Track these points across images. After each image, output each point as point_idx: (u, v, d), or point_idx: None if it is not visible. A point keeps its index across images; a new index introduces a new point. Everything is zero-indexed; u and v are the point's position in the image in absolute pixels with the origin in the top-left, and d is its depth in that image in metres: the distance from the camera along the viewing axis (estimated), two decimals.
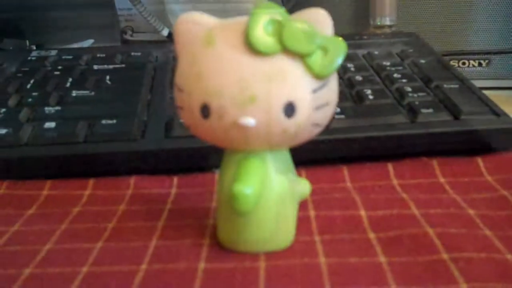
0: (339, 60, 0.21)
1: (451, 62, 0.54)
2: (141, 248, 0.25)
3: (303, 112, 0.21)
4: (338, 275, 0.22)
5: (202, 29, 0.22)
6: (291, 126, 0.21)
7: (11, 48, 0.64)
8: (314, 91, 0.21)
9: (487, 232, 0.25)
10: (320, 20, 0.22)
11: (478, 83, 0.51)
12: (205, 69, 0.21)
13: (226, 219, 0.24)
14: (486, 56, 0.54)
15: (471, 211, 0.27)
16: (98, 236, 0.26)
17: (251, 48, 0.20)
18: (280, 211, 0.24)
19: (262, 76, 0.21)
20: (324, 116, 0.22)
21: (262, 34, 0.20)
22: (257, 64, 0.21)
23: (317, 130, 0.22)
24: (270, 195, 0.23)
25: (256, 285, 0.22)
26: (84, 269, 0.23)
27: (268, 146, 0.22)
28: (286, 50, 0.21)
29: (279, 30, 0.21)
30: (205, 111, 0.21)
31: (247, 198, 0.21)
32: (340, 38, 0.22)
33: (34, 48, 0.63)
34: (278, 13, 0.21)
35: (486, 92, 0.37)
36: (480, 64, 0.54)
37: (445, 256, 0.23)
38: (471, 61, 0.54)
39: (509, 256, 0.23)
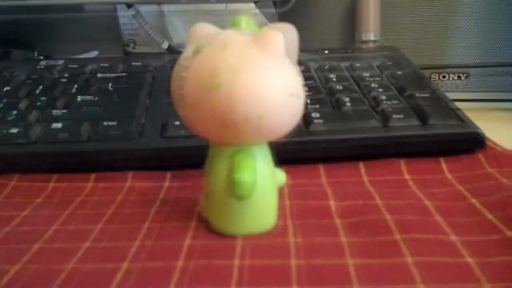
0: None
1: (432, 76, 0.58)
2: (135, 229, 0.29)
3: None
4: (303, 251, 0.26)
5: None
6: None
7: (20, 59, 0.68)
8: None
9: (438, 218, 0.29)
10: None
11: (457, 95, 0.55)
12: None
13: (220, 206, 0.27)
14: (465, 70, 0.58)
15: (428, 202, 0.31)
16: (98, 220, 0.30)
17: None
18: (265, 196, 0.28)
19: None
20: None
21: None
22: None
23: None
24: (258, 182, 0.27)
25: (233, 257, 0.25)
26: (86, 244, 0.27)
27: None
28: None
29: None
30: None
31: (247, 185, 0.25)
32: None
33: (42, 58, 0.67)
34: None
35: (464, 104, 0.41)
36: (459, 78, 0.58)
37: (397, 237, 0.27)
38: (451, 75, 0.58)
39: (453, 237, 0.27)
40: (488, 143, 0.38)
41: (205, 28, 0.27)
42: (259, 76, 0.24)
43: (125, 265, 0.25)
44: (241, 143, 0.26)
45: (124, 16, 0.70)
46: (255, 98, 0.24)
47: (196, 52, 0.25)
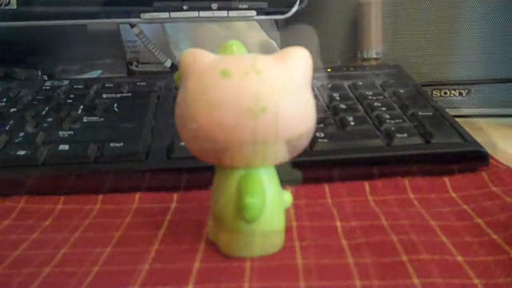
0: None
1: (434, 92, 0.58)
2: (144, 252, 0.29)
3: None
4: (311, 272, 0.26)
5: None
6: None
7: (23, 78, 0.69)
8: None
9: (444, 239, 0.29)
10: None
11: (458, 111, 0.55)
12: None
13: (229, 229, 0.28)
14: (466, 86, 0.58)
15: (433, 222, 0.31)
16: (107, 243, 0.30)
17: None
18: (273, 218, 0.28)
19: None
20: None
21: None
22: None
23: None
24: (267, 205, 0.27)
25: (242, 279, 0.26)
26: (96, 268, 0.27)
27: None
28: None
29: None
30: None
31: (256, 208, 0.26)
32: None
33: (46, 78, 0.67)
34: None
35: (465, 119, 0.41)
36: (460, 94, 0.58)
37: (404, 258, 0.27)
38: (452, 91, 0.58)
39: (459, 258, 0.27)
40: (491, 160, 0.38)
41: (204, 56, 0.26)
42: (301, 97, 0.25)
43: None
44: (268, 165, 0.27)
45: (127, 33, 0.71)
46: (300, 118, 0.25)
47: (223, 77, 0.25)
